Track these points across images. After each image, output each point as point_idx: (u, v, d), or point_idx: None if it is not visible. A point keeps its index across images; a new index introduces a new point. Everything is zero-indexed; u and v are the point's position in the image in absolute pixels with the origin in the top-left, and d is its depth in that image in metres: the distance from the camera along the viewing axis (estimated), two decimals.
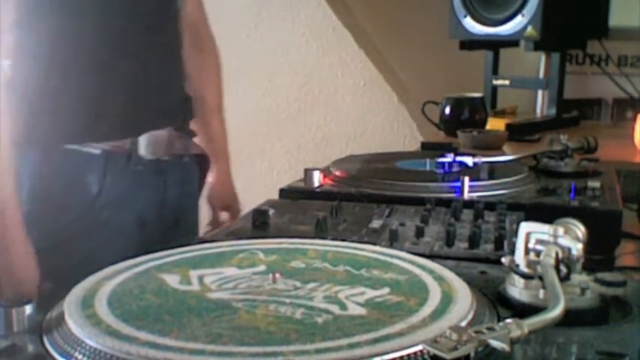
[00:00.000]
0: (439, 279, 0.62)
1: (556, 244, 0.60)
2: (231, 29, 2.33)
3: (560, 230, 0.61)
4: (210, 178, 1.39)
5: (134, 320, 0.53)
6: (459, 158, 1.13)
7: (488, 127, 1.82)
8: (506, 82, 2.00)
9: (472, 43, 1.95)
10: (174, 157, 1.24)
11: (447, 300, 0.57)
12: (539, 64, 1.98)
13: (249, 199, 1.01)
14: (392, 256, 0.69)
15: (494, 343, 0.47)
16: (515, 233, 0.64)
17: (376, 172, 1.14)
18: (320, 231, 0.83)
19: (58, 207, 1.11)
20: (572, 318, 0.54)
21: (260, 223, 0.86)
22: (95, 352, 0.49)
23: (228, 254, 0.70)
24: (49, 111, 1.10)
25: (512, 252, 0.63)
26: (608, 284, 0.59)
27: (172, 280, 0.62)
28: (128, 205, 1.16)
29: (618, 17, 1.98)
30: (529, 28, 1.77)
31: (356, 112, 2.31)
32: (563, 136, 1.21)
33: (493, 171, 1.13)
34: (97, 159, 1.13)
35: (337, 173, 1.11)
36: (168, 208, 1.23)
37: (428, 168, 1.15)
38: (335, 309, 0.55)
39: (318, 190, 1.04)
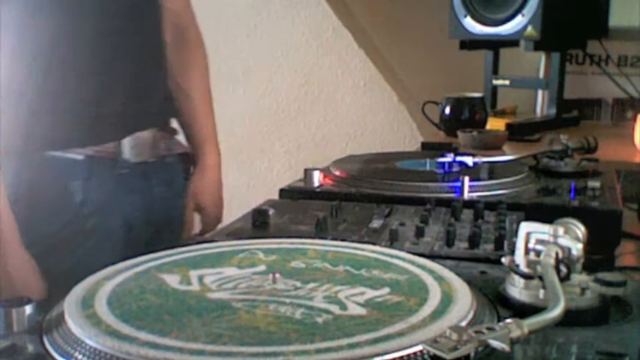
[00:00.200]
0: (439, 279, 0.62)
1: (556, 244, 0.60)
2: (231, 29, 2.34)
3: (560, 230, 0.61)
4: (195, 174, 1.33)
5: (134, 320, 0.53)
6: (459, 158, 1.13)
7: (488, 127, 1.82)
8: (506, 82, 2.00)
9: (472, 43, 1.95)
10: (159, 158, 1.21)
11: (447, 300, 0.57)
12: (539, 64, 1.98)
13: (249, 199, 1.01)
14: (392, 256, 0.69)
15: (494, 343, 0.47)
16: (515, 233, 0.64)
17: (376, 172, 1.14)
18: (320, 231, 0.83)
19: (40, 217, 1.08)
20: (572, 318, 0.54)
21: (260, 223, 0.86)
22: (95, 352, 0.49)
23: (228, 254, 0.70)
24: (47, 112, 1.09)
25: (512, 252, 0.63)
26: (608, 284, 0.59)
27: (172, 280, 0.62)
28: (114, 210, 1.13)
29: (618, 17, 1.98)
30: (529, 28, 1.77)
31: (356, 112, 2.31)
32: (563, 136, 1.21)
33: (493, 171, 1.13)
34: (80, 165, 1.10)
35: (337, 173, 1.11)
36: (154, 211, 1.20)
37: (428, 168, 1.15)
38: (335, 309, 0.55)
39: (318, 190, 1.04)
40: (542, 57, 1.96)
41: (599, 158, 1.20)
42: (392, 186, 1.03)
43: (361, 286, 0.60)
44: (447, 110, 1.82)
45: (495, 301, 0.61)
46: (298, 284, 0.61)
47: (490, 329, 0.48)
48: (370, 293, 0.59)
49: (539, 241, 0.61)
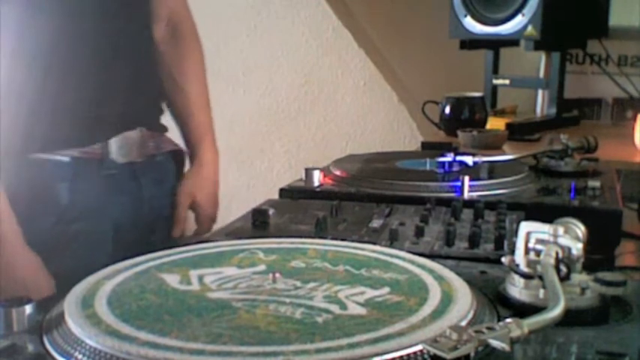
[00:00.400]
0: (439, 279, 0.62)
1: (556, 243, 0.60)
2: (231, 29, 2.34)
3: (560, 230, 0.61)
4: (191, 171, 1.30)
5: (134, 320, 0.53)
6: (459, 158, 1.13)
7: (488, 126, 1.82)
8: (507, 81, 2.00)
9: (472, 43, 1.95)
10: (147, 157, 1.19)
11: (447, 300, 0.57)
12: (540, 63, 1.98)
13: (249, 199, 1.01)
14: (392, 256, 0.69)
15: (494, 343, 0.47)
16: (515, 233, 0.64)
17: (376, 171, 1.14)
18: (320, 230, 0.83)
19: (25, 220, 1.05)
20: (572, 318, 0.54)
21: (260, 223, 0.86)
22: (95, 351, 0.49)
23: (228, 254, 0.70)
24: (47, 112, 1.09)
25: (512, 252, 0.63)
26: (608, 284, 0.59)
27: (172, 279, 0.62)
28: (102, 212, 1.12)
29: (618, 17, 1.98)
30: (529, 28, 1.77)
31: (356, 111, 2.31)
32: (563, 136, 1.21)
33: (493, 170, 1.13)
34: (66, 167, 1.09)
35: (337, 173, 1.11)
36: (144, 211, 1.19)
37: (428, 168, 1.15)
38: (335, 309, 0.55)
39: (318, 189, 1.04)
40: (543, 56, 1.96)
41: (599, 158, 1.20)
42: (392, 185, 1.03)
43: (361, 286, 0.61)
44: (447, 110, 1.82)
45: (495, 301, 0.61)
46: (298, 284, 0.61)
47: (490, 329, 0.48)
48: (370, 293, 0.59)
49: (539, 241, 0.61)
